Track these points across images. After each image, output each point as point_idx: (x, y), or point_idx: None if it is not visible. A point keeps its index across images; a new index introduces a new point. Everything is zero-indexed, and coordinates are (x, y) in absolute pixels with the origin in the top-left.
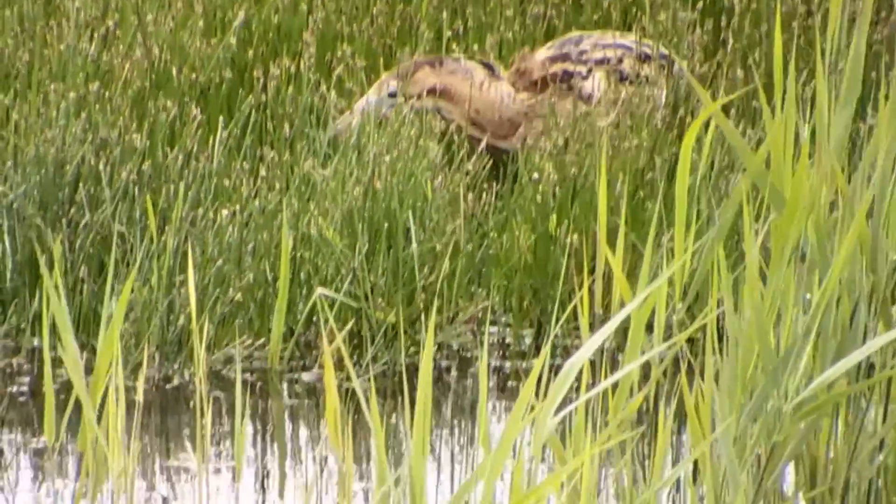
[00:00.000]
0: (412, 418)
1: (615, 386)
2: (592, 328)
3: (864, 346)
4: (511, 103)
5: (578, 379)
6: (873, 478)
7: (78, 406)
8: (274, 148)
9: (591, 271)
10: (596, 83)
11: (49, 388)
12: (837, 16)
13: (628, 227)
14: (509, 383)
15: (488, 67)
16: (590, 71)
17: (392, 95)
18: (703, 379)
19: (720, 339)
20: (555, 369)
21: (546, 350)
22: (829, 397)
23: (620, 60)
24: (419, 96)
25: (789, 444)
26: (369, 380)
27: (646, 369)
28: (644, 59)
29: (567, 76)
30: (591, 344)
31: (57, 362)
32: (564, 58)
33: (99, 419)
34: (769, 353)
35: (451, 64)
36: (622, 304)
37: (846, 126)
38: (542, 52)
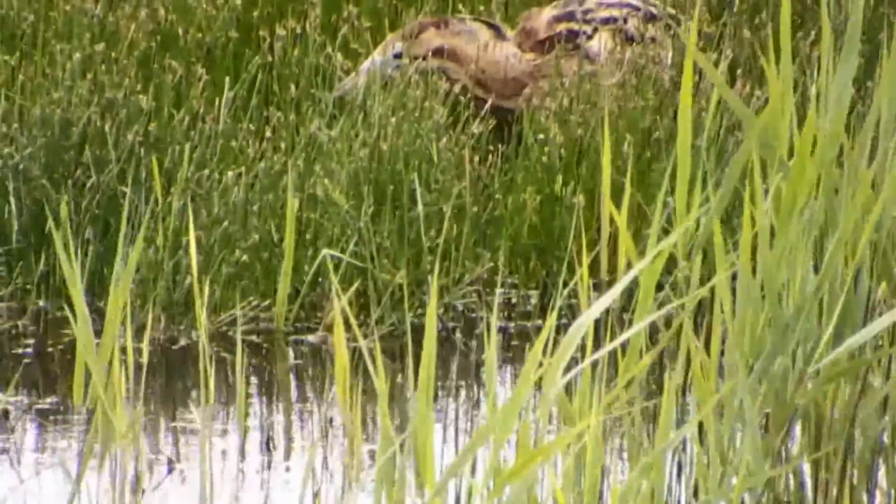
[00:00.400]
0: (417, 378)
1: (622, 347)
2: (598, 289)
3: (879, 320)
4: (516, 63)
5: (584, 339)
6: (878, 436)
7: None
8: (280, 109)
9: (597, 232)
10: (602, 43)
11: (83, 349)
12: None
13: (634, 187)
14: (513, 343)
15: (494, 28)
16: (595, 30)
17: (397, 56)
18: (709, 339)
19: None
20: (560, 329)
21: (554, 312)
22: (850, 365)
23: (626, 20)
24: (424, 57)
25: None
26: (374, 341)
27: (650, 329)
28: (650, 18)
29: (572, 36)
30: (600, 304)
31: (61, 323)
32: (570, 17)
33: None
34: (778, 313)
35: (457, 24)
36: (628, 264)
37: (846, 85)
38: (548, 12)
